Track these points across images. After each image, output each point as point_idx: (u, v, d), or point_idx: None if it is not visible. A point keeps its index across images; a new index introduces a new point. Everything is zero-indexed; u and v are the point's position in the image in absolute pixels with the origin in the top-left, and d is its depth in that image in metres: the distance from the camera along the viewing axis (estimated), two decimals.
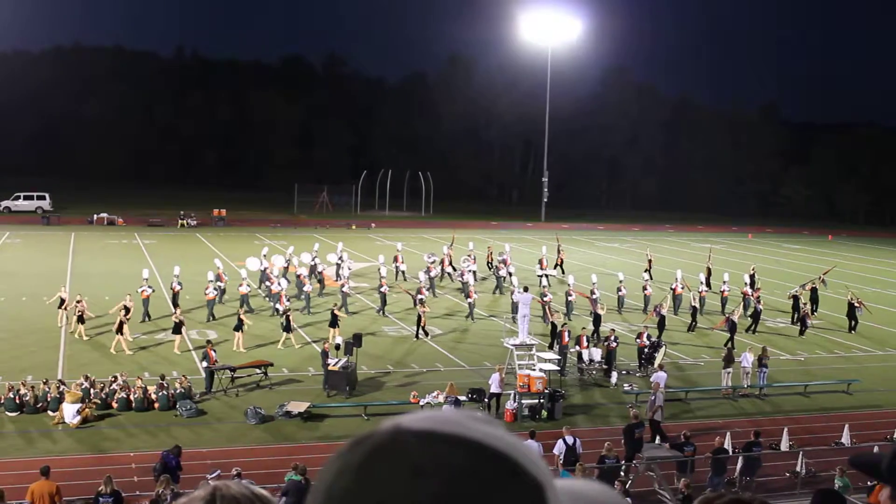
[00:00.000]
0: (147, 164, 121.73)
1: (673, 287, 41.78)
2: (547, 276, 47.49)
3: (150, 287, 37.33)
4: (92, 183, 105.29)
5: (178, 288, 38.38)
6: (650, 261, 51.78)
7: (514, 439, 1.31)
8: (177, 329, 31.89)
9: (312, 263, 44.43)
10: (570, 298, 39.56)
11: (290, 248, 47.27)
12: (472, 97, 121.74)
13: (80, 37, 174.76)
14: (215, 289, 38.40)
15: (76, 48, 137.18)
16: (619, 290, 41.78)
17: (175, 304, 36.68)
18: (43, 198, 79.81)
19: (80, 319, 33.01)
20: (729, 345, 32.97)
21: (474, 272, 45.12)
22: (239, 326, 32.40)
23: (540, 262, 49.29)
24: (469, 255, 47.53)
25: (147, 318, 36.43)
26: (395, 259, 48.00)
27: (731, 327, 35.40)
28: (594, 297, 38.21)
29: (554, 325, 33.47)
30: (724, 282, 42.44)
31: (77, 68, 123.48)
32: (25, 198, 79.81)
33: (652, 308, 37.68)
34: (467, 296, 39.83)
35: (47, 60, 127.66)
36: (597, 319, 35.54)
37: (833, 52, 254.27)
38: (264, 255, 44.46)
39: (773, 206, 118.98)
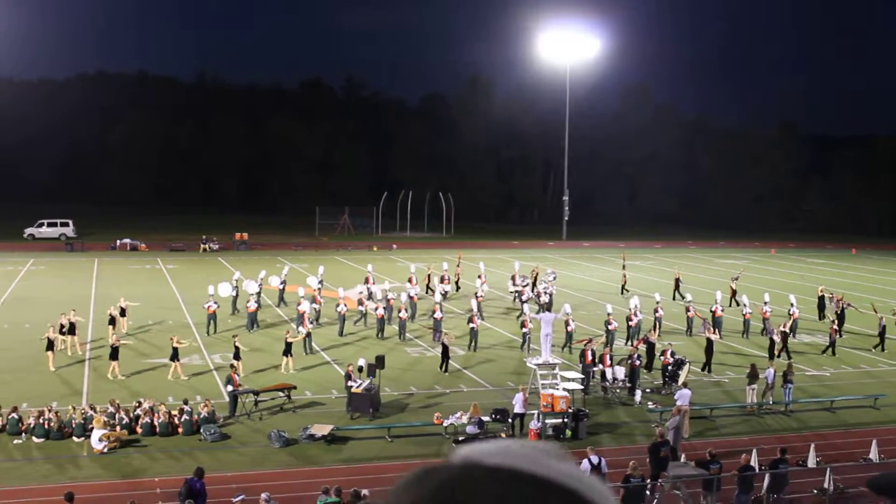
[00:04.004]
0: (169, 189, 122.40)
1: (713, 309, 40.44)
2: (518, 292, 47.68)
3: (215, 303, 39.11)
4: (115, 208, 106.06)
5: (213, 307, 39.33)
6: (624, 275, 53.11)
7: (589, 478, 1.30)
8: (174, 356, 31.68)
9: (319, 287, 44.44)
10: (630, 323, 38.11)
11: (321, 268, 47.74)
12: (492, 117, 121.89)
13: (103, 64, 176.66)
14: (256, 302, 40.72)
15: (99, 75, 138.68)
16: (655, 311, 40.59)
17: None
18: (66, 224, 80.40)
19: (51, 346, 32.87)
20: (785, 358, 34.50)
21: (446, 292, 45.18)
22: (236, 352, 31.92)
23: (513, 278, 49.28)
24: (444, 276, 47.57)
25: (213, 332, 38.38)
26: (366, 280, 46.64)
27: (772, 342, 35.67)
28: (638, 318, 38.01)
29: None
30: (766, 302, 41.85)
31: (100, 95, 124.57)
32: (49, 225, 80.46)
33: (705, 329, 36.25)
34: (522, 325, 37.41)
35: (71, 88, 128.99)
36: (650, 348, 34.11)
37: (851, 65, 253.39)
38: (261, 277, 44.54)
39: (795, 220, 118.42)
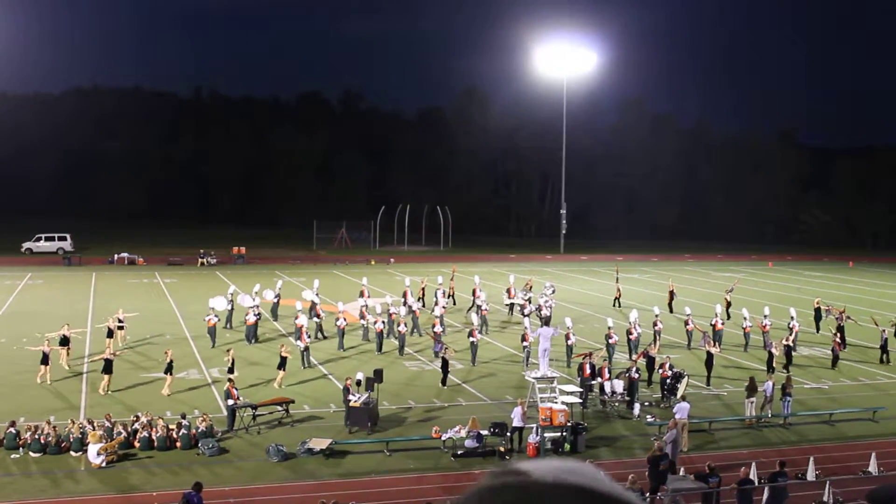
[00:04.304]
0: (167, 202, 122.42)
1: (713, 323, 40.36)
2: (514, 304, 47.73)
3: (216, 316, 39.49)
4: (112, 223, 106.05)
5: (214, 321, 39.09)
6: (618, 288, 53.59)
7: (631, 495, 1.33)
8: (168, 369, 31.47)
9: (315, 300, 44.60)
10: (630, 337, 37.74)
11: (317, 281, 47.78)
12: (489, 130, 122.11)
13: (99, 78, 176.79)
14: (256, 315, 40.73)
15: (95, 89, 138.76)
16: (654, 324, 40.09)
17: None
18: (64, 238, 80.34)
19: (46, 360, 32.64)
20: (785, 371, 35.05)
21: (444, 306, 44.70)
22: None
23: (508, 291, 49.29)
24: (438, 289, 47.51)
25: (214, 345, 38.41)
26: (362, 294, 45.88)
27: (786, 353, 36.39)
28: (638, 332, 37.81)
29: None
30: (766, 315, 41.74)
31: (97, 109, 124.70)
32: (47, 239, 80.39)
33: (705, 343, 35.87)
34: (523, 339, 36.55)
35: (68, 102, 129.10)
36: (650, 362, 33.98)
37: (851, 75, 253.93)
38: (256, 291, 44.35)
39: (793, 232, 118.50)
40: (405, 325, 39.34)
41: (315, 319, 41.58)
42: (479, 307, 44.88)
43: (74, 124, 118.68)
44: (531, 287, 49.78)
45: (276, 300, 45.87)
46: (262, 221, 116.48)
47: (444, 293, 47.91)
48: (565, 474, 1.30)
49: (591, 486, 1.28)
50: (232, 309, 43.16)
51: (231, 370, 30.68)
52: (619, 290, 53.45)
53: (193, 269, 70.83)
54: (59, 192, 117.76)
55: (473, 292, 47.88)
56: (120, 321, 39.03)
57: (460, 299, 51.89)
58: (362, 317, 41.58)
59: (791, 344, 37.72)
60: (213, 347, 38.25)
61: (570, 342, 36.74)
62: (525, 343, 36.18)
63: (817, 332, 45.44)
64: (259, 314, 41.47)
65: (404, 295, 45.91)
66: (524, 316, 43.14)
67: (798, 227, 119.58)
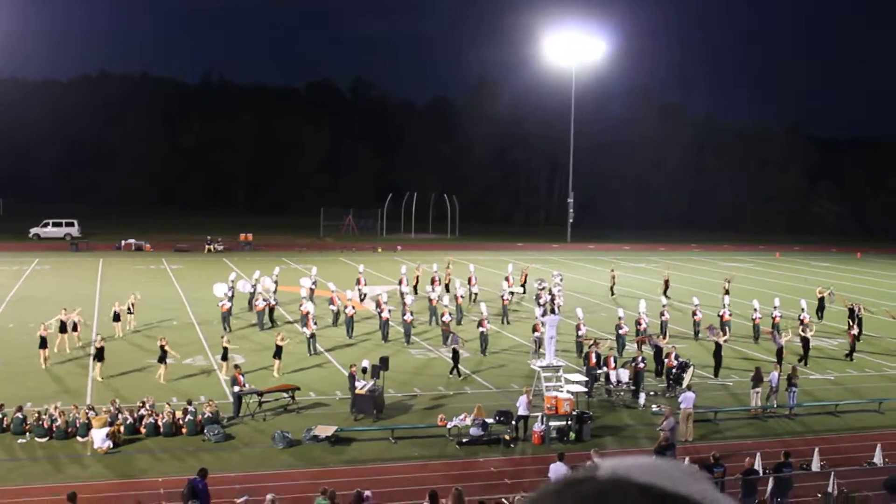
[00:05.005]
0: (174, 189, 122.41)
1: (721, 314, 40.22)
2: (512, 293, 47.90)
3: (229, 301, 39.78)
4: (120, 209, 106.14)
5: (227, 306, 39.81)
6: (613, 277, 53.11)
7: (715, 495, 1.32)
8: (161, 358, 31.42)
9: (312, 287, 44.67)
10: (639, 328, 37.32)
11: (314, 268, 48.05)
12: (498, 119, 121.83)
13: (107, 65, 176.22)
14: (264, 300, 41.13)
15: (103, 76, 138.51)
16: (661, 314, 39.87)
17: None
18: (71, 224, 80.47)
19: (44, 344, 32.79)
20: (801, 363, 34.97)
21: (462, 296, 44.69)
22: (224, 356, 31.85)
23: (506, 279, 49.35)
24: (434, 278, 47.52)
25: (227, 331, 38.43)
26: (358, 282, 46.71)
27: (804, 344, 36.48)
28: (646, 322, 37.51)
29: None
30: (776, 307, 41.53)
31: (104, 96, 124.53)
32: (54, 224, 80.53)
33: (712, 335, 35.55)
34: (534, 329, 36.15)
35: (75, 89, 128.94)
36: (658, 352, 33.69)
37: (859, 67, 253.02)
38: (256, 278, 44.49)
39: (802, 223, 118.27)
40: (410, 314, 39.35)
41: (331, 307, 41.65)
42: (500, 296, 45.15)
43: (82, 111, 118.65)
44: (527, 276, 49.80)
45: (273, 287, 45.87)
46: (270, 208, 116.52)
47: (437, 281, 47.90)
48: (635, 471, 1.27)
49: (660, 484, 1.24)
50: (232, 295, 43.11)
51: (224, 357, 31.17)
52: (612, 277, 53.32)
53: (200, 256, 70.87)
54: (66, 179, 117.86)
55: (469, 281, 48.08)
56: (132, 305, 39.32)
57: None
58: (378, 305, 41.52)
59: (808, 335, 37.21)
60: (224, 333, 38.22)
61: (580, 332, 36.66)
62: (536, 333, 35.83)
63: (819, 319, 45.35)
64: (273, 300, 41.87)
65: (400, 283, 46.19)
66: (539, 305, 42.90)
67: (808, 217, 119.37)
